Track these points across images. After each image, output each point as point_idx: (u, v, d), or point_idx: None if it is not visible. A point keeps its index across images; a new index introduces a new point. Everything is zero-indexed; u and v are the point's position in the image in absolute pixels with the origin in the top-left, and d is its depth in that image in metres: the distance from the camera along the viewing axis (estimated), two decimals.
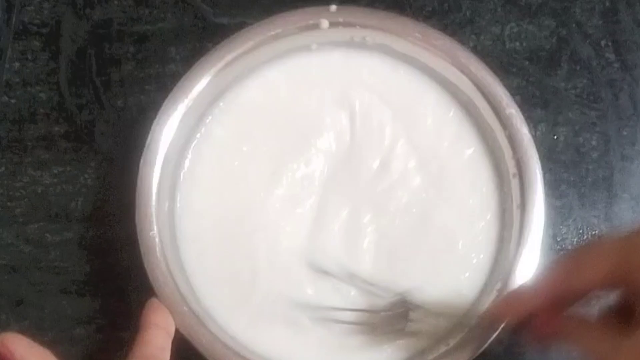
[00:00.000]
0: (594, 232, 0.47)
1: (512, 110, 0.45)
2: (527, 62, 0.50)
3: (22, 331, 0.45)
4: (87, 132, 0.49)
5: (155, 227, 0.42)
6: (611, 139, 0.49)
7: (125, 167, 0.48)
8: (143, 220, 0.42)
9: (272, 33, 0.46)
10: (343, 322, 0.42)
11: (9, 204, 0.48)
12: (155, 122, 0.44)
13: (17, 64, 0.50)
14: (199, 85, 0.45)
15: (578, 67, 0.50)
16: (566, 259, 0.37)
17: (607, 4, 0.52)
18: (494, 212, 0.45)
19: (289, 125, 0.46)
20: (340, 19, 0.46)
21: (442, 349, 0.41)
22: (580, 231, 0.47)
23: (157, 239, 0.42)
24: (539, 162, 0.44)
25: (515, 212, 0.44)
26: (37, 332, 0.45)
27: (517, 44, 0.51)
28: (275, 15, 0.46)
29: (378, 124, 0.46)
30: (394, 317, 0.42)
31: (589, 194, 0.48)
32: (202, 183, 0.46)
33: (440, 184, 0.46)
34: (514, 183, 0.44)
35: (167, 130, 0.44)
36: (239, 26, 0.51)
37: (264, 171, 0.46)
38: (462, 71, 0.46)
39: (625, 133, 0.49)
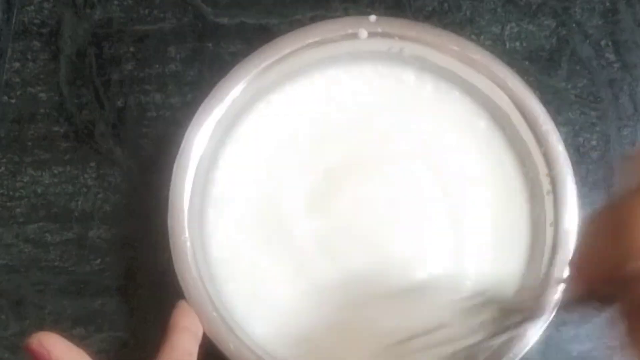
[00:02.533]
0: None
1: (549, 127, 0.45)
2: (527, 62, 0.50)
3: (22, 331, 0.45)
4: (87, 132, 0.49)
5: (187, 232, 0.42)
6: (611, 139, 0.49)
7: (126, 167, 0.48)
8: (175, 225, 0.42)
9: (310, 41, 0.46)
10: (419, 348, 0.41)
11: (9, 203, 0.48)
12: (189, 127, 0.44)
13: (17, 64, 0.50)
14: (233, 92, 0.45)
15: (578, 67, 0.50)
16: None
17: (607, 4, 0.52)
18: (525, 228, 0.45)
19: (322, 133, 0.46)
20: (379, 30, 0.46)
21: None
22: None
23: (188, 244, 0.42)
24: (574, 180, 0.44)
25: (548, 230, 0.43)
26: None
27: (517, 44, 0.51)
28: (313, 24, 0.47)
29: (408, 136, 0.47)
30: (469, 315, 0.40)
31: (588, 194, 0.48)
32: (234, 188, 0.46)
33: (472, 198, 0.46)
34: (548, 200, 0.44)
35: (200, 136, 0.44)
36: (239, 26, 0.51)
37: (297, 180, 0.46)
38: (499, 85, 0.46)
39: (625, 133, 0.49)
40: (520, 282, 0.44)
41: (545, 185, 0.44)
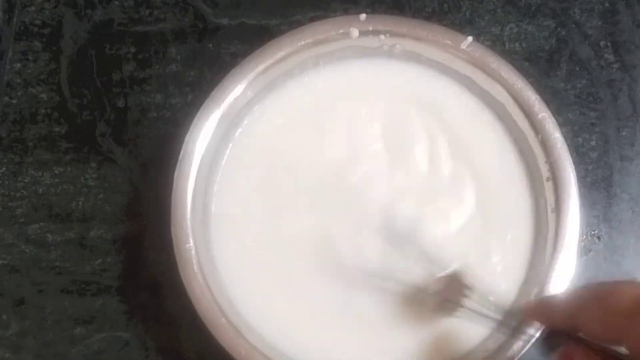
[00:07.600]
0: (593, 232, 0.48)
1: (545, 114, 0.45)
2: (526, 63, 0.50)
3: (23, 331, 0.46)
4: (88, 132, 0.49)
5: (191, 240, 0.42)
6: (610, 139, 0.49)
7: (126, 167, 0.48)
8: (179, 233, 0.42)
9: (303, 43, 0.46)
10: (400, 282, 0.43)
11: (10, 204, 0.48)
12: (188, 133, 0.44)
13: (18, 65, 0.51)
14: (230, 95, 0.45)
15: (577, 68, 0.50)
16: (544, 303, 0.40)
17: (607, 4, 0.52)
18: (527, 217, 0.45)
19: (322, 133, 0.47)
20: (370, 28, 0.46)
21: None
22: (580, 231, 0.48)
23: (193, 251, 0.42)
24: (572, 165, 0.44)
25: (550, 216, 0.44)
26: (38, 332, 0.46)
27: (517, 44, 0.51)
28: (306, 25, 0.47)
29: (410, 132, 0.47)
30: (448, 290, 0.42)
31: (588, 195, 0.48)
32: (236, 193, 0.45)
33: (474, 190, 0.46)
34: (548, 187, 0.44)
35: (200, 142, 0.44)
36: (239, 27, 0.51)
37: (299, 180, 0.46)
38: (493, 77, 0.46)
39: (624, 133, 0.49)
40: (525, 274, 0.44)
41: (545, 172, 0.44)
